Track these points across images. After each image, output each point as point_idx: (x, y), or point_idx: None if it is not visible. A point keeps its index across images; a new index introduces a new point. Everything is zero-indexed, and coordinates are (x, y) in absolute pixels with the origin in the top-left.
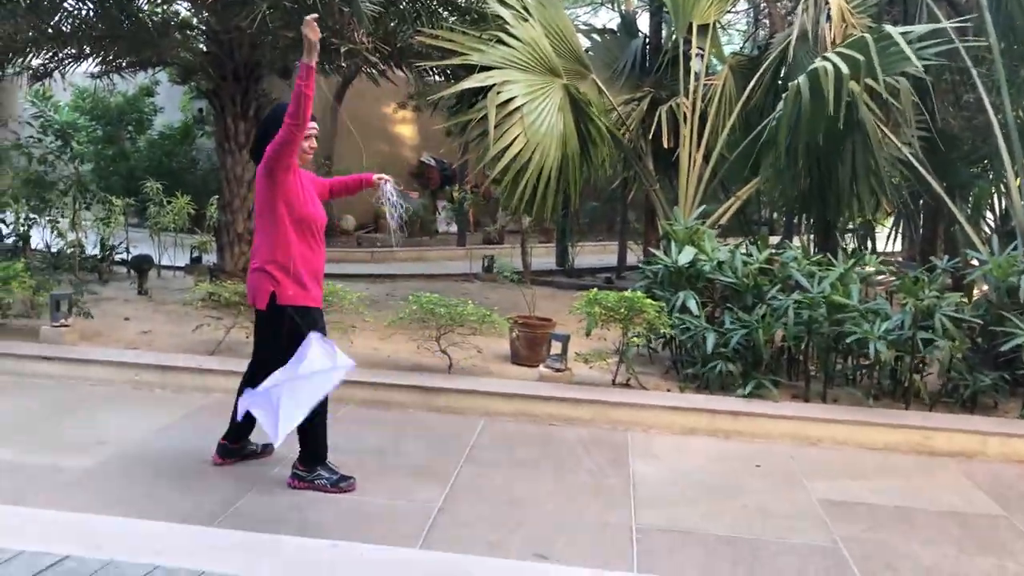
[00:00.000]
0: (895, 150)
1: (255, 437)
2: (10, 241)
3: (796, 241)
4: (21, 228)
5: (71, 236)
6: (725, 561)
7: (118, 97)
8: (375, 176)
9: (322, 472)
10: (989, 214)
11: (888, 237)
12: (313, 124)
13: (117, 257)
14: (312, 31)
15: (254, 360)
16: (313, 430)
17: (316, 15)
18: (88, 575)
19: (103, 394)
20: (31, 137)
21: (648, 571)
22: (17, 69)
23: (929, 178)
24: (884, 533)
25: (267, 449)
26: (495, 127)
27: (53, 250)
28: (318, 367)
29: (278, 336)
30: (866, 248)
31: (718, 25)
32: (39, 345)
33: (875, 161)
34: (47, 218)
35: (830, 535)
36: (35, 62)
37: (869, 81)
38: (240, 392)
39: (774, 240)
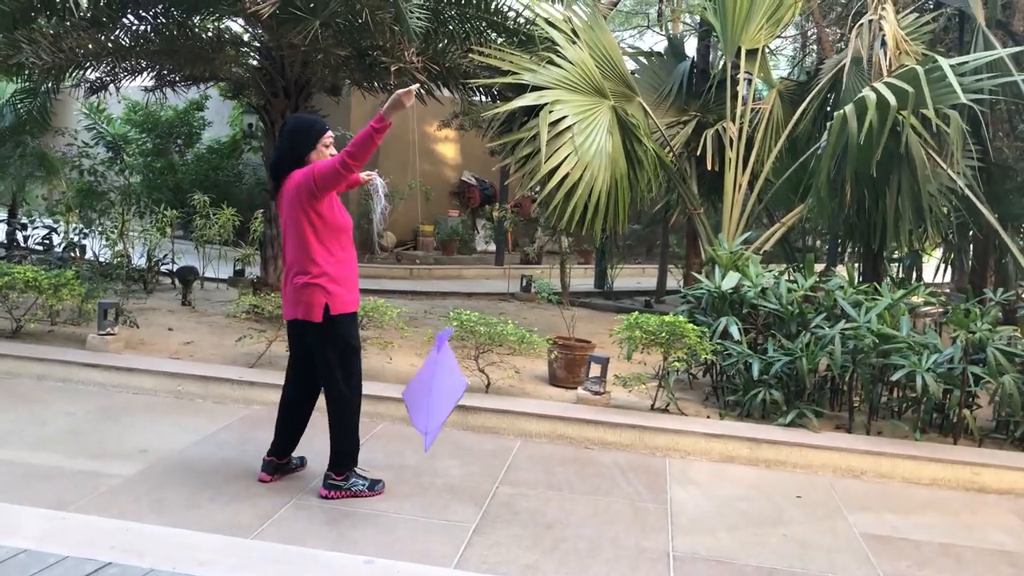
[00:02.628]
0: (946, 180)
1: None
2: (60, 249)
3: (840, 269)
4: (73, 237)
5: (119, 246)
6: None
7: (169, 111)
8: (363, 175)
9: (356, 479)
10: None
11: (936, 268)
12: (330, 133)
13: (163, 268)
14: (408, 98)
15: (299, 377)
16: (351, 431)
17: (417, 84)
18: None
19: (146, 403)
20: (80, 145)
21: None
22: (75, 81)
23: (982, 208)
24: (930, 570)
25: (303, 463)
26: (546, 145)
27: (101, 260)
28: (449, 383)
29: (334, 347)
30: (913, 279)
31: (767, 50)
32: (86, 352)
33: (922, 191)
34: (98, 228)
35: (874, 570)
36: (92, 75)
37: (922, 111)
38: (284, 409)
39: (818, 268)
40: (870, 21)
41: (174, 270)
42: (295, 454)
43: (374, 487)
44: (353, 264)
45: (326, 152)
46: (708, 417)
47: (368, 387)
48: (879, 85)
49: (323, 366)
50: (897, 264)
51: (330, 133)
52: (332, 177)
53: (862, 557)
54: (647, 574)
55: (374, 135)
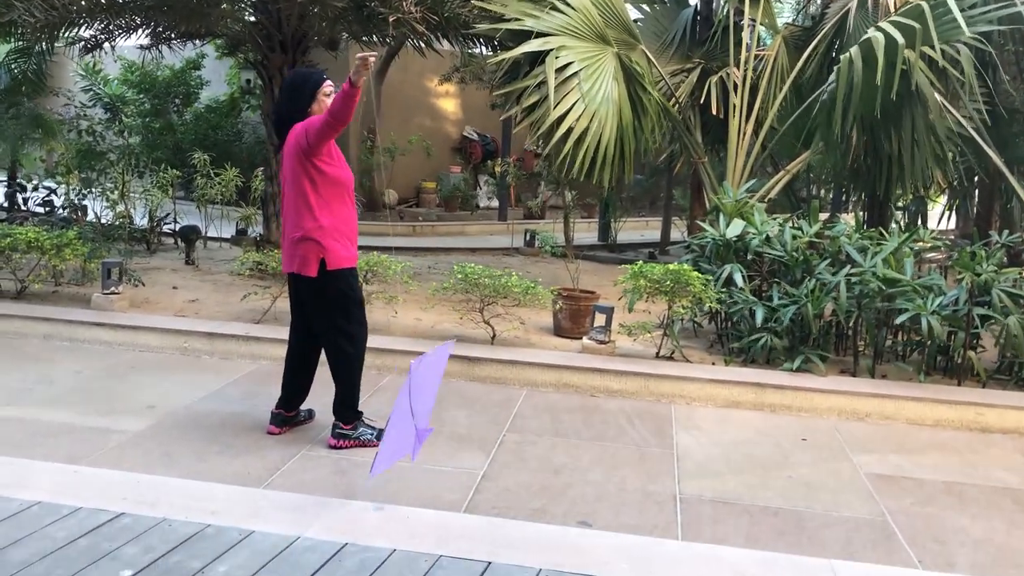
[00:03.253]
0: (953, 123)
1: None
2: (62, 211)
3: (844, 217)
4: (74, 199)
5: (120, 207)
6: (770, 531)
7: (165, 71)
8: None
9: (364, 428)
10: None
11: (941, 214)
12: (329, 83)
13: (165, 228)
14: (365, 65)
15: (301, 329)
16: (350, 384)
17: (374, 54)
18: (142, 532)
19: (152, 360)
20: (77, 106)
21: (693, 540)
22: (69, 40)
23: (989, 152)
24: (933, 507)
25: (312, 415)
26: (553, 92)
27: (103, 220)
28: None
29: (330, 301)
30: (918, 224)
31: None
32: (91, 311)
33: (933, 134)
34: (98, 188)
35: (877, 508)
36: (86, 33)
37: (927, 50)
38: (289, 360)
39: (822, 216)
40: None
41: (176, 230)
42: (304, 406)
43: (382, 436)
44: (352, 219)
45: (326, 102)
46: (713, 364)
47: (374, 340)
48: (884, 24)
49: (321, 320)
50: (902, 211)
51: (329, 83)
52: (322, 134)
53: (866, 496)
54: (654, 517)
55: (347, 100)
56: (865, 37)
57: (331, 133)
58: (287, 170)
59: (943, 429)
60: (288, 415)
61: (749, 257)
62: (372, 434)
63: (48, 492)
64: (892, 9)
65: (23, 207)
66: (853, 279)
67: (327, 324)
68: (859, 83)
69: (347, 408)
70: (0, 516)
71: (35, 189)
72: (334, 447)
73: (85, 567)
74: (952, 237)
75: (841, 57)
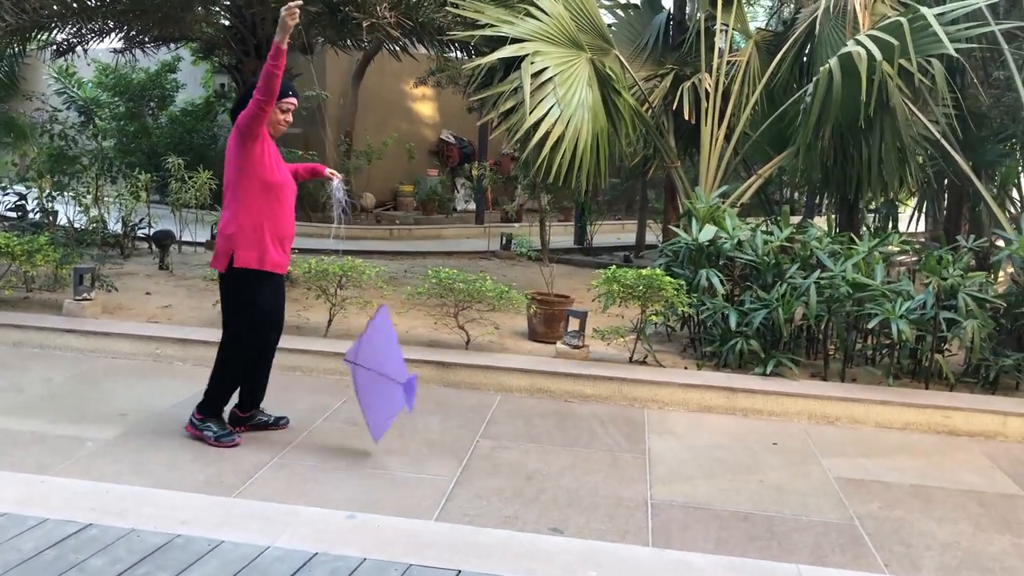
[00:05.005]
0: (922, 128)
1: (271, 409)
2: (34, 216)
3: (817, 220)
4: (46, 204)
5: (94, 212)
6: (740, 536)
7: (140, 74)
8: (327, 171)
9: (212, 424)
10: (1016, 194)
11: (911, 217)
12: (292, 99)
13: (139, 233)
14: (290, 16)
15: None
16: (220, 381)
17: (300, 2)
18: (110, 543)
19: (124, 366)
20: (50, 109)
21: (663, 546)
22: (41, 44)
23: (956, 156)
24: (900, 511)
25: (280, 421)
26: (529, 97)
27: (76, 225)
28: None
29: (231, 299)
30: (889, 228)
31: (743, 0)
32: (62, 318)
33: (902, 142)
34: (71, 193)
35: (846, 512)
36: (59, 37)
37: (902, 62)
38: (223, 361)
39: (795, 220)
40: None
41: (150, 234)
42: (277, 413)
43: (220, 439)
44: (283, 224)
45: (278, 116)
46: (686, 368)
47: (345, 345)
48: (864, 38)
49: (224, 313)
50: (873, 215)
51: (291, 100)
52: (251, 119)
53: (835, 500)
54: (626, 522)
55: (272, 68)
56: (845, 51)
57: (260, 114)
58: (226, 166)
59: (911, 432)
60: (241, 416)
61: (721, 261)
62: (212, 434)
63: (14, 503)
64: (861, 18)
65: None
66: (823, 283)
67: (226, 321)
68: (837, 94)
69: (207, 401)
70: None
71: (5, 193)
72: (188, 432)
73: None
74: (922, 240)
75: (820, 69)
